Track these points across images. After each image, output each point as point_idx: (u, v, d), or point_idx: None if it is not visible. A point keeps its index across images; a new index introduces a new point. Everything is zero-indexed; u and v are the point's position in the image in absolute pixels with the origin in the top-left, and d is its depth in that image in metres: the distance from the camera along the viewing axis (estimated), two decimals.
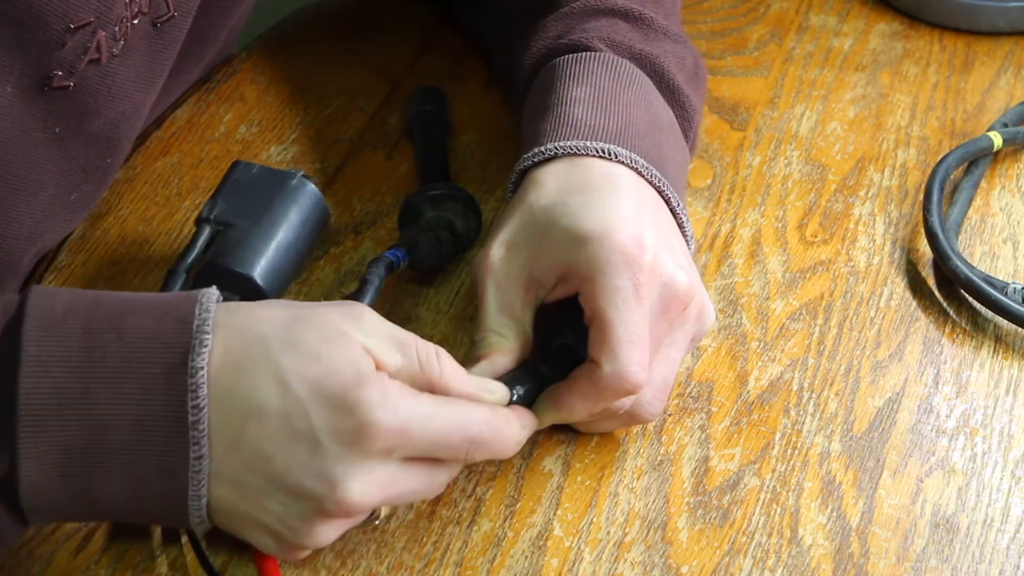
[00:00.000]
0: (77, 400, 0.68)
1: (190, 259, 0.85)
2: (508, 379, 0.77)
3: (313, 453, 0.69)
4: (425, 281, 0.91)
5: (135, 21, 0.80)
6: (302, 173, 0.88)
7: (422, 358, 0.72)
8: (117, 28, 0.79)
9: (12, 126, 0.78)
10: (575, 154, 0.82)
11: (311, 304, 0.73)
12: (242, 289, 0.83)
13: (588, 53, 0.88)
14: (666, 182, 0.83)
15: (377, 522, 0.76)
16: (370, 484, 0.70)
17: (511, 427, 0.75)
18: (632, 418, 0.80)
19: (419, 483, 0.72)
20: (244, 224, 0.85)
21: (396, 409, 0.70)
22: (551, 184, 0.81)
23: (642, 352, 0.76)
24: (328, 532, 0.71)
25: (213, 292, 0.71)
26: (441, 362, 0.73)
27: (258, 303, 0.73)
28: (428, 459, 0.72)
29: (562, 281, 0.79)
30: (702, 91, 0.94)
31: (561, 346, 0.80)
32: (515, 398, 0.77)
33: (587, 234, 0.77)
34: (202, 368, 0.68)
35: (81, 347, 0.68)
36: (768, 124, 1.03)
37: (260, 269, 0.83)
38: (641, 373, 0.76)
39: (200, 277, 0.84)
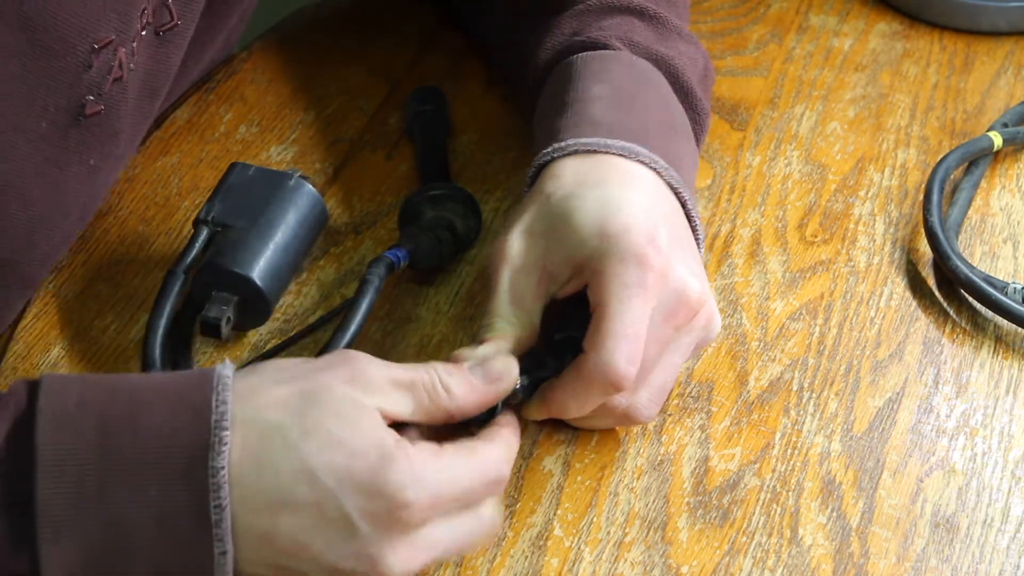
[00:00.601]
0: (95, 501, 0.67)
1: (188, 260, 0.85)
2: None
3: (350, 537, 0.69)
4: (425, 281, 0.91)
5: (143, 33, 0.80)
6: (300, 173, 0.88)
7: (429, 392, 0.72)
8: (135, 43, 0.79)
9: (45, 162, 0.77)
10: (595, 151, 0.82)
11: (310, 369, 0.72)
12: (241, 290, 0.83)
13: (607, 51, 0.88)
14: (683, 184, 0.83)
15: None
16: (411, 554, 0.70)
17: (515, 444, 0.75)
18: (627, 419, 0.80)
19: (460, 532, 0.72)
20: (242, 225, 0.85)
21: (425, 483, 0.69)
22: (569, 176, 0.81)
23: (632, 347, 0.76)
24: None
25: (227, 373, 0.70)
26: (448, 387, 0.73)
27: (263, 378, 0.71)
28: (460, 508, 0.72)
29: (576, 275, 0.79)
30: (709, 93, 0.94)
31: (567, 338, 0.80)
32: (518, 387, 0.77)
33: (602, 230, 0.77)
34: (222, 468, 0.67)
35: (97, 446, 0.67)
36: (768, 124, 1.03)
37: (259, 270, 0.83)
38: (627, 367, 0.75)
39: (199, 278, 0.84)
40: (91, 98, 0.77)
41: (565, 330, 0.80)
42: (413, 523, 0.69)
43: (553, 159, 0.82)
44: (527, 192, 0.83)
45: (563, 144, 0.82)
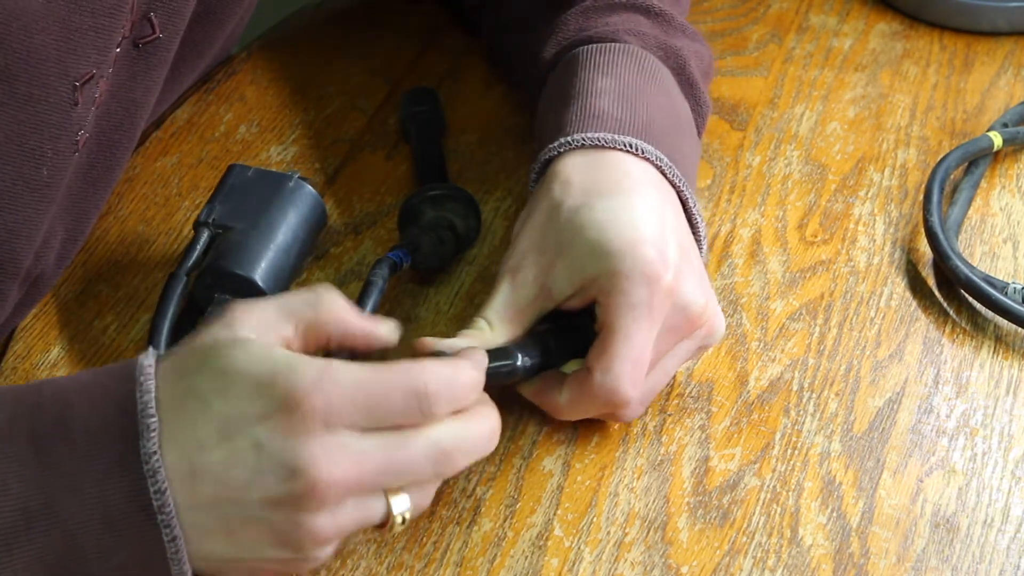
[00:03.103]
0: (42, 512, 0.66)
1: (190, 263, 0.85)
2: (516, 347, 0.78)
3: (260, 455, 0.66)
4: (425, 281, 0.91)
5: (117, 50, 0.79)
6: (299, 175, 0.88)
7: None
8: (111, 69, 0.78)
9: (50, 204, 0.77)
10: (601, 146, 0.82)
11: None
12: (244, 292, 0.83)
13: (612, 44, 0.88)
14: (686, 182, 0.83)
15: (395, 528, 0.72)
16: (332, 457, 0.66)
17: (465, 372, 0.71)
18: (612, 416, 0.81)
19: (395, 454, 0.68)
20: (243, 227, 0.85)
21: (322, 379, 0.66)
22: (577, 183, 0.80)
23: (636, 370, 0.77)
24: (321, 524, 0.67)
25: (148, 362, 0.68)
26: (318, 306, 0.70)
27: (175, 356, 0.70)
28: (389, 428, 0.68)
29: (580, 292, 0.78)
30: (708, 88, 0.94)
31: (571, 317, 0.80)
32: (520, 365, 0.77)
33: (611, 248, 0.77)
34: (155, 452, 0.66)
35: (34, 460, 0.66)
36: (768, 124, 1.03)
37: (261, 271, 0.84)
38: (631, 390, 0.77)
39: (201, 280, 0.84)
40: (83, 132, 0.77)
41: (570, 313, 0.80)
42: (317, 418, 0.66)
43: (560, 154, 0.82)
44: (533, 188, 0.83)
45: (570, 139, 0.82)
